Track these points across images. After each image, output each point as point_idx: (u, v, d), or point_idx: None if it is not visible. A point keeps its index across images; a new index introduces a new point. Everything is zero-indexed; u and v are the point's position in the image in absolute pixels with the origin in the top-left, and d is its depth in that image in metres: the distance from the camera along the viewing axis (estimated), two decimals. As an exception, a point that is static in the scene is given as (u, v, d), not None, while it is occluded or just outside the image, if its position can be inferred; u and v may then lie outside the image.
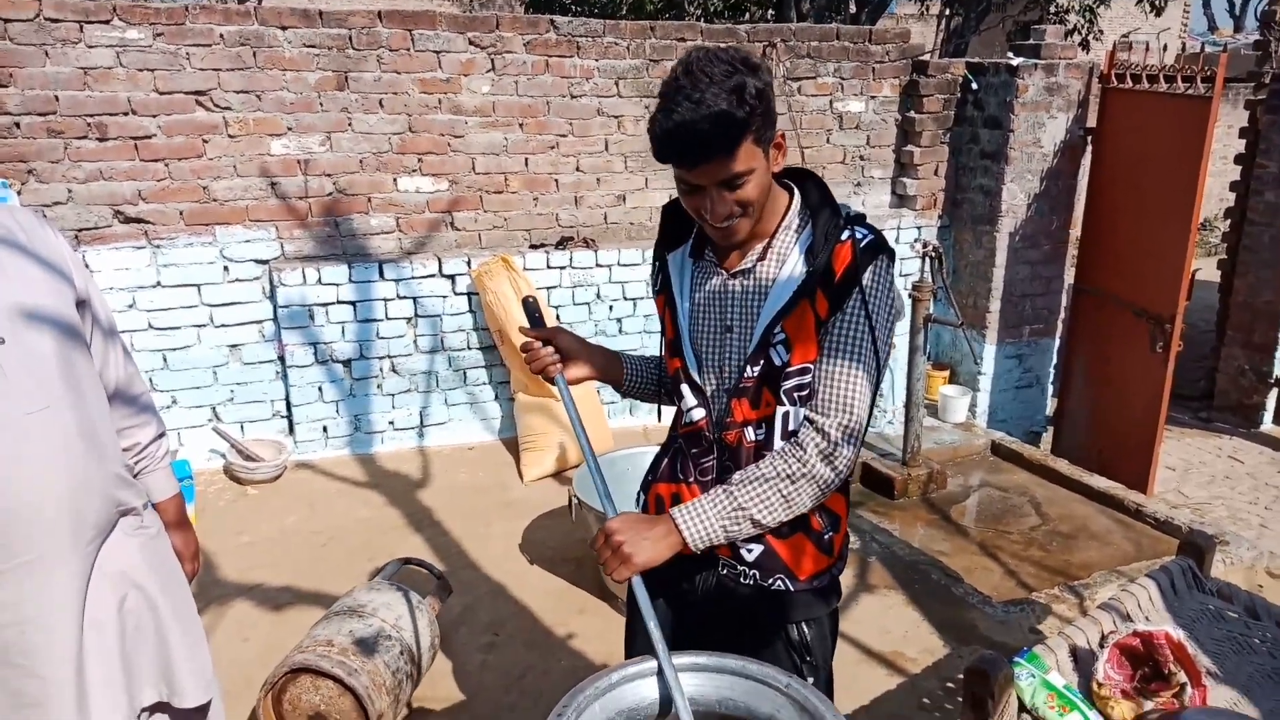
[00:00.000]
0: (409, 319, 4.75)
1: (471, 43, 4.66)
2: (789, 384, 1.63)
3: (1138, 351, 4.95)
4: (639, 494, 1.91)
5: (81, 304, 1.80)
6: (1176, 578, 2.38)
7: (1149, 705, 1.94)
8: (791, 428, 1.64)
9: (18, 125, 4.02)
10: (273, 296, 4.55)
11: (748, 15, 10.27)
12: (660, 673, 1.52)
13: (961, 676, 2.42)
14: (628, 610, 1.96)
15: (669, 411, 1.88)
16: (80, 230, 4.20)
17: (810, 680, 1.74)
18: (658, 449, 1.91)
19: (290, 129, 4.47)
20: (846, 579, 3.74)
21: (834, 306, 1.59)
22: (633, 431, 5.12)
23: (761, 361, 1.64)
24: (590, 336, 5.02)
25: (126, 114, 4.18)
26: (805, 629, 1.75)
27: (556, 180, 5.02)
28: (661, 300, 1.80)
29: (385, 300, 4.67)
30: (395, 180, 4.72)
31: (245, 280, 4.53)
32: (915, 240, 5.51)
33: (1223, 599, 2.36)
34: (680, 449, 1.78)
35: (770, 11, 9.95)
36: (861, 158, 5.62)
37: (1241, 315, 6.02)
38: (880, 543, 4.04)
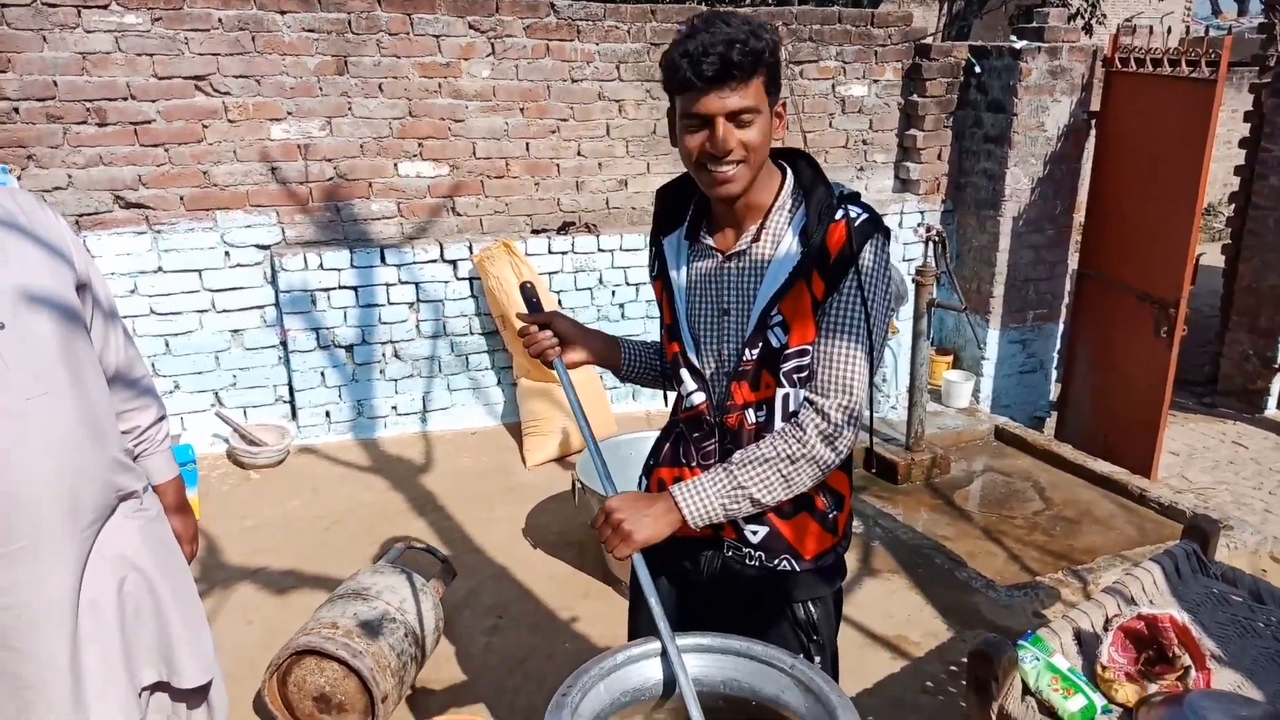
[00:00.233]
0: (411, 304, 4.74)
1: (471, 26, 4.64)
2: (788, 365, 1.63)
3: (1142, 336, 4.93)
4: (640, 479, 1.91)
5: (82, 287, 1.79)
6: (1181, 562, 2.38)
7: (1153, 688, 1.94)
8: (792, 409, 1.64)
9: (16, 110, 4.01)
10: (274, 281, 4.54)
11: (749, -1, 10.21)
12: (664, 653, 1.52)
13: (965, 660, 2.42)
14: (630, 592, 1.97)
15: (673, 396, 1.88)
16: (81, 216, 4.19)
17: (817, 659, 1.75)
18: (659, 434, 1.91)
19: (290, 114, 4.45)
20: (851, 563, 3.72)
21: (830, 287, 1.58)
22: (635, 416, 5.12)
23: (760, 344, 1.63)
24: (592, 322, 5.02)
25: (126, 99, 4.17)
26: (811, 608, 1.75)
27: (558, 165, 5.00)
28: (659, 285, 1.79)
29: (387, 285, 4.66)
30: (396, 165, 4.70)
31: (247, 265, 4.52)
32: (918, 225, 5.48)
33: (1227, 583, 2.35)
34: (681, 433, 1.78)
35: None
36: (864, 142, 5.59)
37: (1246, 300, 6.00)
38: (884, 527, 4.04)
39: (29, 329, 1.66)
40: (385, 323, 4.72)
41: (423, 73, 4.61)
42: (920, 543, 3.93)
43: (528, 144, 4.91)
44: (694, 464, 1.74)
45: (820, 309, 1.60)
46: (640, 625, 1.88)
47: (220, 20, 4.22)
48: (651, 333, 5.13)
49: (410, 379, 4.84)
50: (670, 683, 1.51)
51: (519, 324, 1.85)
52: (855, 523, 4.05)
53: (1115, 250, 5.19)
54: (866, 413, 4.39)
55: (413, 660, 2.81)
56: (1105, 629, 2.09)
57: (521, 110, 4.85)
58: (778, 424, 1.65)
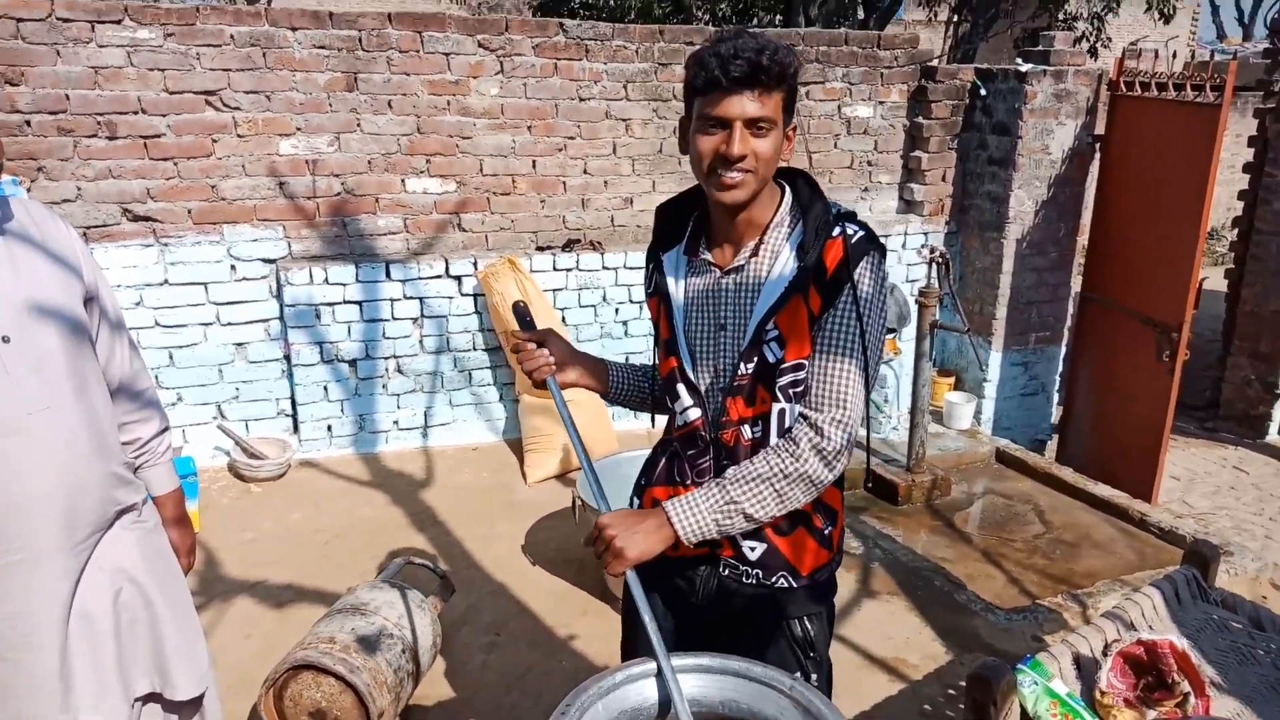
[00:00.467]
0: (415, 319, 4.76)
1: (481, 45, 4.67)
2: (784, 380, 1.64)
3: (1144, 360, 4.94)
4: (631, 499, 1.91)
5: (90, 299, 1.81)
6: (1181, 587, 2.38)
7: (1152, 715, 1.93)
8: (788, 425, 1.65)
9: (28, 123, 4.04)
10: (279, 295, 4.56)
11: (756, 20, 10.29)
12: (660, 673, 1.52)
13: (964, 683, 2.41)
14: (623, 612, 1.97)
15: (661, 420, 1.88)
16: (89, 228, 4.21)
17: (814, 676, 1.75)
18: (650, 453, 1.91)
19: (299, 129, 4.48)
20: (850, 584, 3.74)
21: (826, 303, 1.60)
22: (637, 434, 5.11)
23: (755, 358, 1.64)
24: (596, 339, 5.03)
25: (136, 113, 4.20)
26: (808, 624, 1.76)
27: (564, 182, 5.03)
28: (655, 302, 1.80)
29: (391, 300, 4.68)
30: (403, 181, 4.73)
31: (252, 279, 4.54)
32: (922, 246, 5.51)
33: (1227, 609, 2.35)
34: (675, 451, 1.78)
35: (778, 16, 9.97)
36: (869, 163, 5.62)
37: (1248, 325, 6.00)
38: (883, 548, 4.04)
39: (35, 342, 1.67)
40: (389, 337, 4.73)
41: (432, 90, 4.65)
42: (920, 565, 3.93)
43: (534, 161, 4.94)
44: (689, 482, 1.74)
45: (816, 324, 1.61)
46: (633, 645, 1.88)
47: (232, 36, 4.26)
48: (654, 350, 5.13)
49: (412, 394, 4.86)
50: (668, 702, 1.51)
51: (514, 341, 1.86)
52: (855, 543, 4.05)
53: (1118, 274, 5.20)
54: (862, 431, 4.39)
55: (410, 676, 2.81)
56: (1104, 654, 2.08)
57: (529, 128, 4.88)
58: (773, 440, 1.65)
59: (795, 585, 1.72)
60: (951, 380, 5.77)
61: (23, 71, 3.99)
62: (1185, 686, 1.95)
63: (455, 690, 3.10)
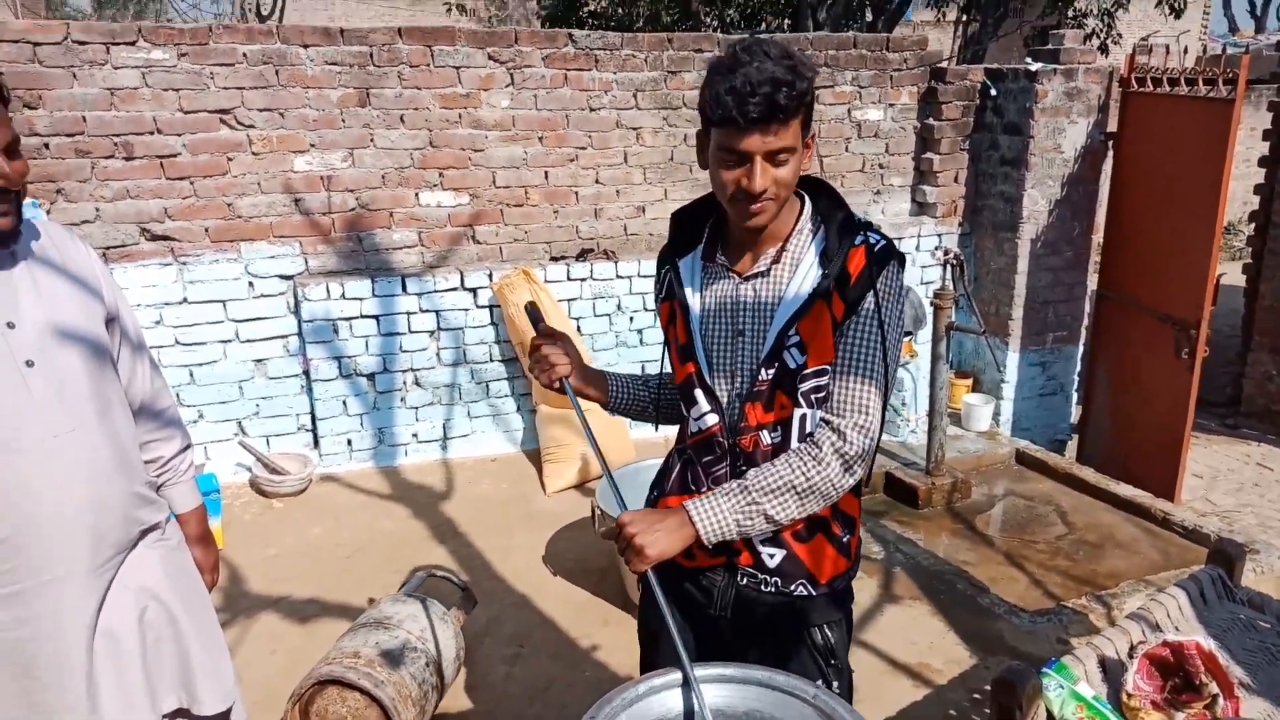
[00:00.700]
0: (431, 332, 4.78)
1: (491, 58, 4.70)
2: (806, 386, 1.64)
3: (1163, 358, 4.90)
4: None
5: (111, 320, 1.83)
6: (1206, 587, 2.36)
7: (1180, 717, 1.92)
8: (809, 430, 1.65)
9: (47, 146, 4.09)
10: (297, 311, 4.59)
11: (764, 25, 10.29)
12: (685, 682, 1.52)
13: (989, 687, 2.40)
14: (639, 625, 1.98)
15: (665, 428, 1.88)
16: (108, 248, 4.26)
17: (835, 683, 1.75)
18: (661, 464, 1.91)
19: (313, 145, 4.52)
20: (871, 589, 3.73)
21: (850, 309, 1.61)
22: (654, 443, 5.12)
23: (775, 365, 1.65)
24: (611, 348, 5.05)
25: (152, 133, 4.25)
26: (828, 632, 1.76)
27: (576, 193, 5.05)
28: (667, 307, 1.80)
29: (408, 314, 4.71)
30: (417, 195, 4.76)
31: (270, 296, 4.57)
32: (936, 248, 5.49)
33: (1254, 608, 2.33)
34: (690, 459, 1.78)
35: (787, 21, 9.97)
36: (881, 166, 5.61)
37: (1267, 320, 5.95)
38: (905, 553, 4.02)
39: (58, 365, 1.69)
40: (406, 351, 4.76)
41: (443, 103, 4.67)
42: (942, 568, 3.91)
43: (546, 172, 4.96)
44: (704, 490, 1.73)
45: (839, 330, 1.62)
46: (652, 656, 1.89)
47: (245, 55, 4.30)
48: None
49: (431, 406, 4.88)
50: (692, 713, 1.51)
51: (536, 341, 1.85)
52: (876, 548, 4.03)
53: (1134, 271, 5.17)
54: (883, 436, 4.37)
55: (434, 689, 2.81)
56: (1130, 656, 2.07)
57: (540, 139, 4.90)
58: (794, 444, 1.66)
59: (814, 593, 1.72)
60: (969, 382, 5.75)
61: (40, 94, 4.04)
62: (1213, 688, 1.94)
63: (479, 703, 3.10)
